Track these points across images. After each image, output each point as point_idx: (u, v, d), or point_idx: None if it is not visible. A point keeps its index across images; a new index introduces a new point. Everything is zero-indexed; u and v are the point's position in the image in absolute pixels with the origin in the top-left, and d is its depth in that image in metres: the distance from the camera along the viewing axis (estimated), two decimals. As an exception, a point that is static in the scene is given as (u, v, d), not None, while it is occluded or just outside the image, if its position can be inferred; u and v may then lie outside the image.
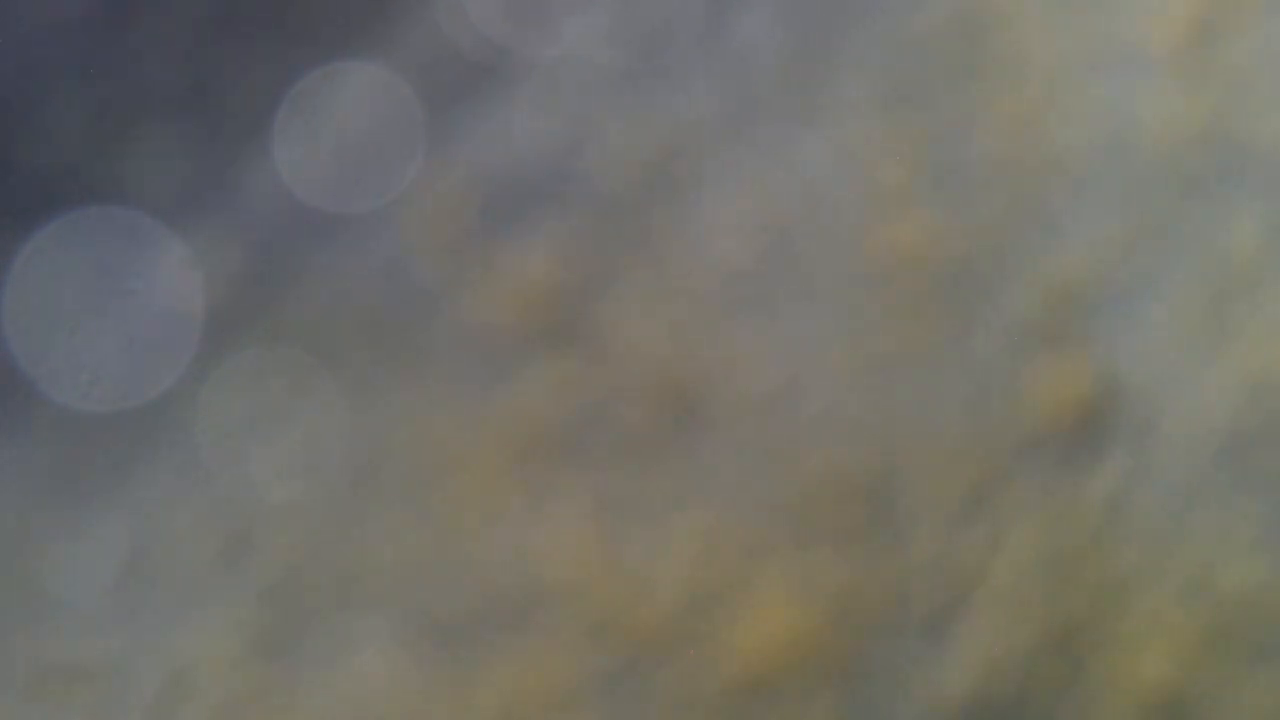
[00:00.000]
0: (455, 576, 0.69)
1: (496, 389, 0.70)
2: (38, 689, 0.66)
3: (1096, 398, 0.72)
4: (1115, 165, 0.74)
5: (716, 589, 0.69)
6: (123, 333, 0.67)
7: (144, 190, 0.68)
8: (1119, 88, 0.75)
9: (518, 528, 0.69)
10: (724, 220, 0.72)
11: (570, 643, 0.68)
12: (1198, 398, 0.73)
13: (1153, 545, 0.71)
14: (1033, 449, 0.71)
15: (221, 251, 0.69)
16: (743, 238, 0.72)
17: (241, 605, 0.68)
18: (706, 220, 0.72)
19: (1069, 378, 0.72)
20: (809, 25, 0.74)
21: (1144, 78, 0.75)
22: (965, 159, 0.74)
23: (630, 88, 0.72)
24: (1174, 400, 0.72)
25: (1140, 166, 0.74)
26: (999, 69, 0.75)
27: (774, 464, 0.70)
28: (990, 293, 0.73)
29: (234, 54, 0.68)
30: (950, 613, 0.70)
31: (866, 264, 0.72)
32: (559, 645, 0.68)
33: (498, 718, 0.68)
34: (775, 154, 0.73)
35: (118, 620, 0.68)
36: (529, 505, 0.69)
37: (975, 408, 0.72)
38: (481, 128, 0.72)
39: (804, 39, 0.74)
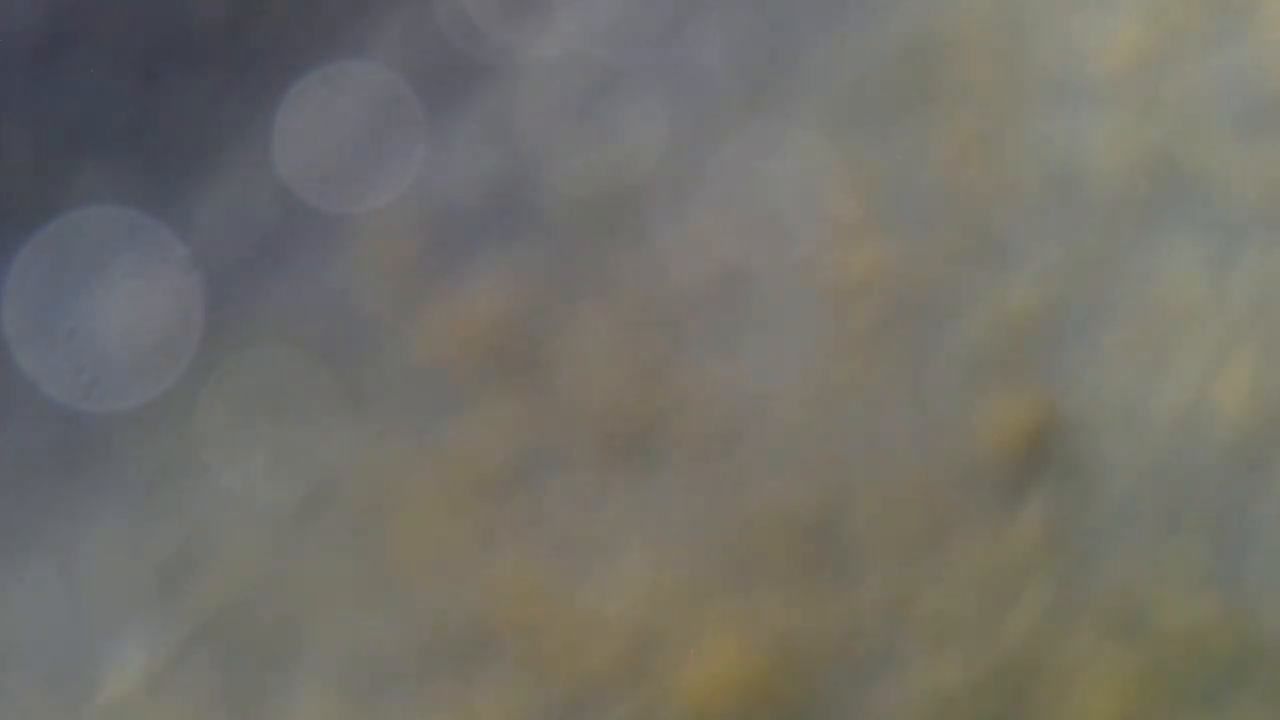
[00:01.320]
0: (399, 615, 0.68)
1: (445, 424, 0.69)
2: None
3: (1044, 431, 0.72)
4: (1063, 195, 0.74)
5: (664, 629, 0.69)
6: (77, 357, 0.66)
7: (86, 224, 0.67)
8: (1068, 117, 0.75)
9: (465, 566, 0.69)
10: (676, 252, 0.71)
11: (517, 683, 0.68)
12: (1142, 431, 0.73)
13: (1096, 580, 0.72)
14: (981, 483, 0.72)
15: (166, 284, 0.68)
16: (694, 270, 0.72)
17: (175, 645, 0.67)
18: (658, 252, 0.71)
19: (1018, 410, 0.72)
20: (762, 54, 0.73)
21: (1092, 107, 0.75)
22: (917, 188, 0.73)
23: (582, 116, 0.72)
24: (1120, 434, 0.73)
25: (1088, 197, 0.74)
26: (950, 98, 0.74)
27: (724, 502, 0.70)
28: (941, 324, 0.73)
29: (177, 87, 0.67)
30: (896, 649, 0.70)
31: (819, 296, 0.72)
32: (505, 686, 0.68)
33: (443, 755, 0.68)
34: (728, 184, 0.72)
35: (42, 668, 0.67)
36: (476, 543, 0.69)
37: (925, 442, 0.72)
38: (430, 157, 0.71)
39: (758, 68, 0.73)
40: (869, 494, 0.71)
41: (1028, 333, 0.73)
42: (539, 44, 0.72)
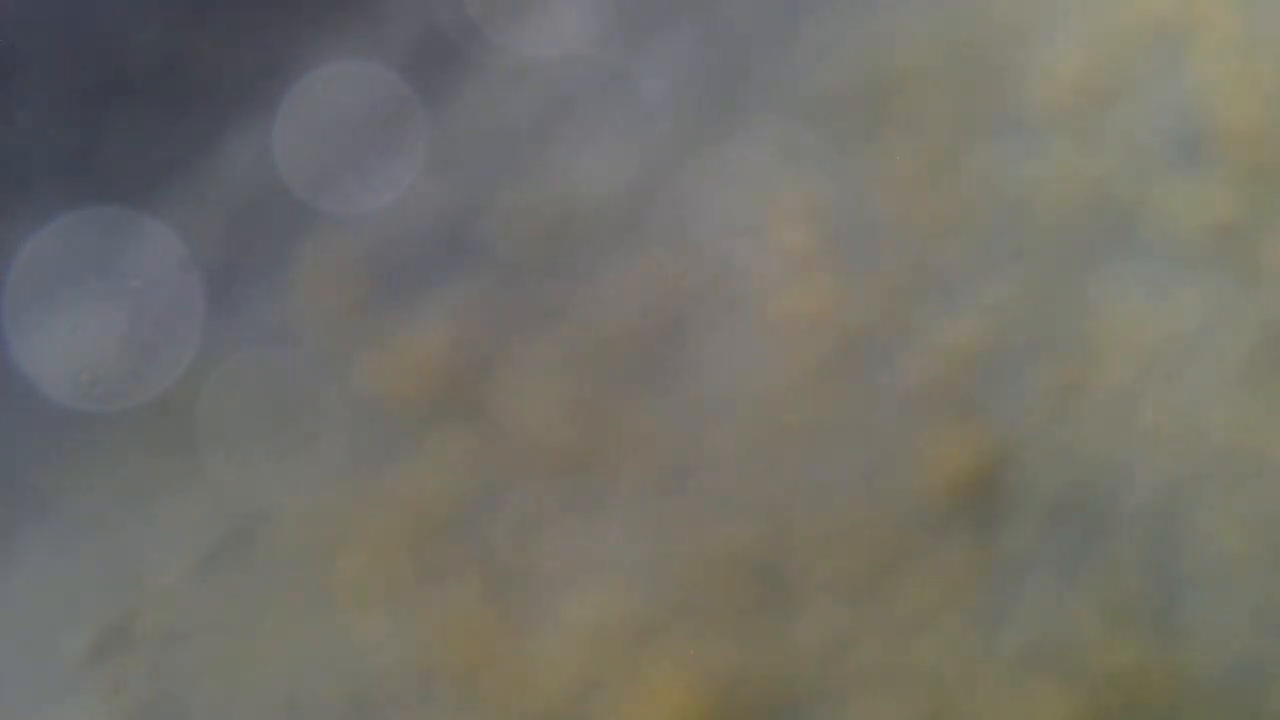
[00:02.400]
0: (341, 658, 0.67)
1: (390, 463, 0.68)
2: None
3: (988, 468, 0.73)
4: (1009, 229, 0.74)
5: (608, 670, 0.69)
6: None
7: (26, 256, 0.65)
8: (1013, 150, 0.75)
9: (407, 604, 0.68)
10: (623, 288, 0.71)
11: (459, 726, 0.68)
12: (1082, 467, 0.73)
13: (1037, 619, 0.72)
14: (925, 521, 0.72)
15: (110, 318, 0.67)
16: (641, 306, 0.71)
17: (110, 691, 0.66)
18: (605, 288, 0.71)
19: (962, 447, 0.72)
20: (713, 87, 0.72)
21: (1036, 141, 0.75)
22: (865, 221, 0.73)
23: (528, 152, 0.71)
24: (1061, 470, 0.73)
25: (1033, 230, 0.75)
26: (899, 131, 0.74)
27: (668, 542, 0.70)
28: (887, 360, 0.73)
29: (117, 120, 0.65)
30: (839, 689, 0.70)
31: (767, 332, 0.72)
32: (448, 729, 0.68)
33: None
34: (676, 219, 0.72)
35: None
36: (419, 581, 0.68)
37: (870, 480, 0.71)
38: (374, 191, 0.69)
39: (707, 102, 0.72)
40: (814, 533, 0.71)
41: (972, 368, 0.73)
42: (484, 78, 0.71)
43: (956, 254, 0.74)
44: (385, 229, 0.69)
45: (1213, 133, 0.77)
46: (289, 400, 0.68)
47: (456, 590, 0.68)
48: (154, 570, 0.67)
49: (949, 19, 0.76)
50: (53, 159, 0.66)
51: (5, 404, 0.67)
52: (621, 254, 0.71)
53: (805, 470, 0.71)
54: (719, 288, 0.72)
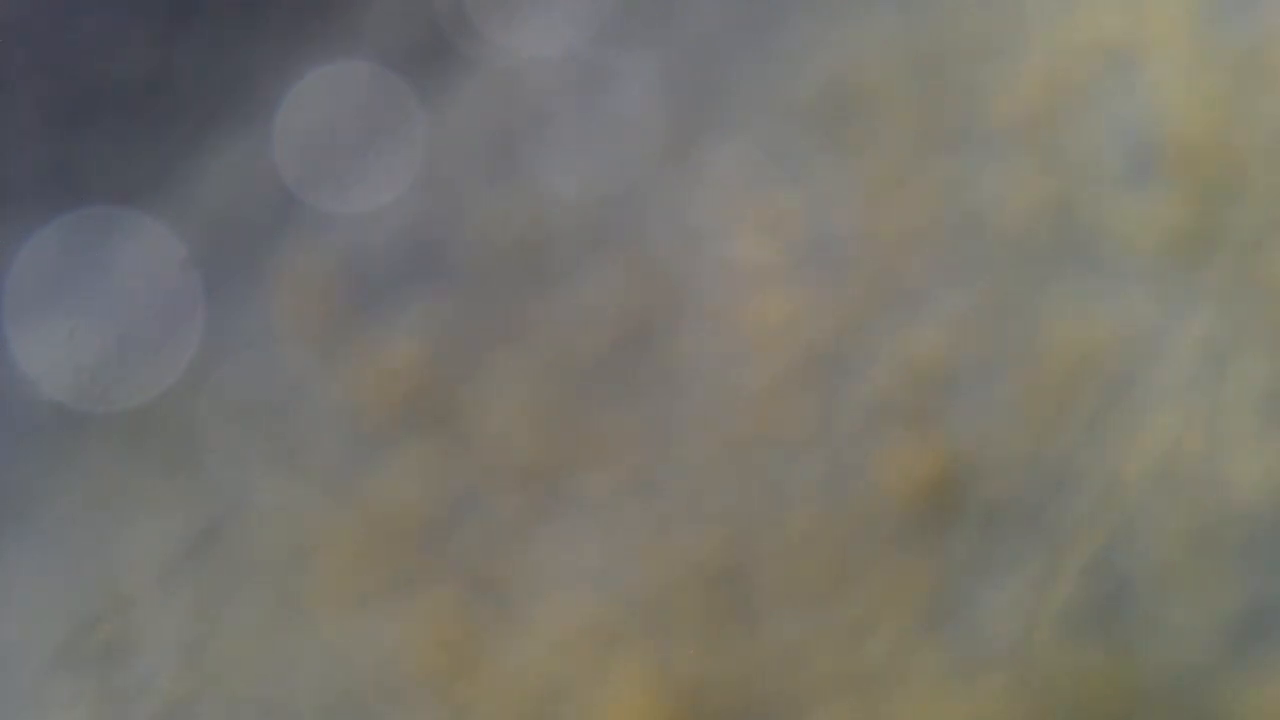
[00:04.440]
0: (314, 665, 0.68)
1: (362, 473, 0.69)
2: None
3: (947, 479, 0.74)
4: (968, 242, 0.75)
5: (574, 678, 0.70)
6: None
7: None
8: (973, 165, 0.76)
9: (379, 615, 0.68)
10: (591, 300, 0.71)
11: (430, 730, 0.68)
12: (1039, 478, 0.74)
13: (992, 628, 0.73)
14: (885, 531, 0.73)
15: (90, 331, 0.67)
16: (612, 317, 0.72)
17: (83, 704, 0.66)
18: (575, 299, 0.71)
19: (922, 458, 0.73)
20: (684, 99, 0.73)
21: (995, 155, 0.76)
22: (830, 233, 0.74)
23: (501, 163, 0.71)
24: (1018, 481, 0.74)
25: (991, 244, 0.76)
26: (863, 144, 0.75)
27: (634, 551, 0.71)
28: (849, 372, 0.73)
29: (98, 135, 0.65)
30: (801, 697, 0.71)
31: (733, 344, 0.73)
32: (419, 733, 0.68)
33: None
34: (645, 230, 0.72)
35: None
36: (390, 589, 0.69)
37: (834, 490, 0.73)
38: (348, 206, 0.70)
39: (678, 112, 0.73)
40: (777, 542, 0.72)
41: (932, 379, 0.74)
42: (461, 88, 0.71)
43: (919, 266, 0.75)
44: (363, 238, 0.70)
45: (1166, 147, 0.78)
46: (266, 407, 0.68)
47: (429, 597, 0.69)
48: (124, 575, 0.67)
49: (913, 34, 0.77)
50: (33, 170, 0.66)
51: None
52: (592, 264, 0.72)
53: (769, 480, 0.72)
54: (687, 298, 0.72)
